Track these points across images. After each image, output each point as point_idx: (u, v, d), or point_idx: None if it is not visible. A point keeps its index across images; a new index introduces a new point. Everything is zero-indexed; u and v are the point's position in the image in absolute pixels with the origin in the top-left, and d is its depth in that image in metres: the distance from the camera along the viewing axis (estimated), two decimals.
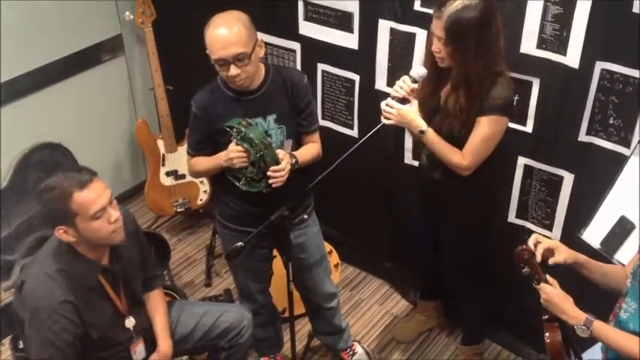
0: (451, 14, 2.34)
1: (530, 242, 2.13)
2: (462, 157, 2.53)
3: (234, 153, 2.50)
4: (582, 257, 2.18)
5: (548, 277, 2.10)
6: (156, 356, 2.55)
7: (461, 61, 2.41)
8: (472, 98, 2.46)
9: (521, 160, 2.89)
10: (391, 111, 2.51)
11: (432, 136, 2.54)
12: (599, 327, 2.02)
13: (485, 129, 2.49)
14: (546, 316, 2.11)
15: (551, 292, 2.06)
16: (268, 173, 2.50)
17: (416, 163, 3.17)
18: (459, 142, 2.54)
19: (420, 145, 2.75)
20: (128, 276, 2.47)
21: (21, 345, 3.13)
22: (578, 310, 2.04)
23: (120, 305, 2.44)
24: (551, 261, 2.12)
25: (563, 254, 2.13)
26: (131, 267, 2.49)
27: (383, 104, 2.53)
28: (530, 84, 2.72)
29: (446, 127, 2.54)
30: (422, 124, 2.52)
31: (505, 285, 3.05)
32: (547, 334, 2.10)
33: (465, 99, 2.47)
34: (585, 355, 2.26)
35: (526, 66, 2.69)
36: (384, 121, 2.53)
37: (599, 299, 2.19)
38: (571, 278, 2.18)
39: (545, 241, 2.13)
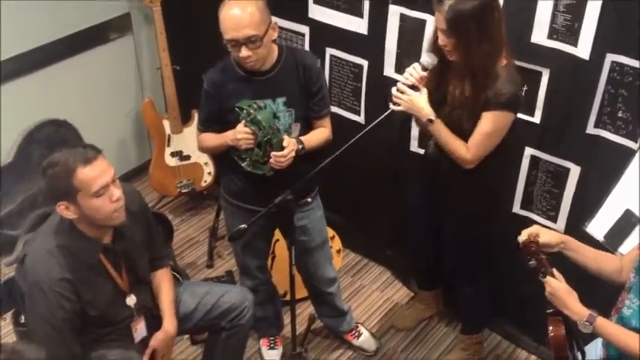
0: (451, 5, 2.32)
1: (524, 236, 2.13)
2: (466, 151, 2.52)
3: (241, 134, 2.51)
4: (568, 237, 2.19)
5: (554, 270, 2.09)
6: (161, 335, 2.55)
7: (464, 51, 2.39)
8: (478, 88, 2.44)
9: (528, 151, 2.88)
10: (402, 96, 2.50)
11: (439, 126, 2.53)
12: (602, 324, 2.02)
13: (489, 124, 2.48)
14: (550, 310, 2.10)
15: (556, 285, 2.05)
16: (271, 154, 2.51)
17: (422, 151, 3.17)
18: (464, 134, 2.53)
19: (427, 133, 2.74)
20: (131, 255, 2.47)
21: (22, 320, 3.15)
22: (581, 306, 2.04)
23: (121, 283, 2.44)
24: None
25: (547, 235, 2.14)
26: (134, 246, 2.48)
27: (394, 89, 2.52)
28: (539, 74, 2.71)
29: (455, 117, 2.52)
30: (431, 113, 2.51)
31: (506, 275, 3.05)
32: (551, 328, 2.09)
33: (470, 89, 2.46)
34: (586, 349, 2.26)
35: (536, 56, 2.68)
36: (392, 107, 2.52)
37: (601, 292, 2.20)
38: (573, 271, 2.19)
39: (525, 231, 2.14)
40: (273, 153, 2.51)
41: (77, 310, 2.31)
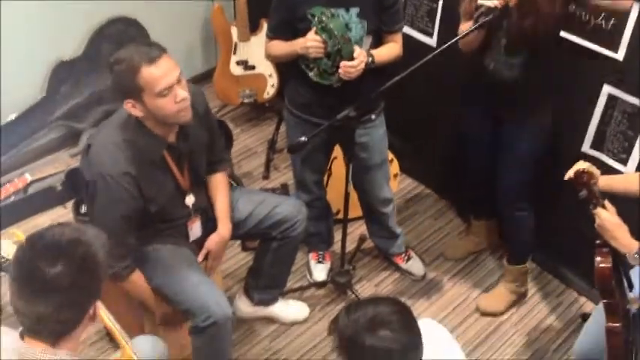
0: None
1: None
2: None
3: (311, 42, 2.47)
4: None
5: (606, 202, 2.08)
6: (216, 238, 2.60)
7: None
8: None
9: (606, 89, 2.75)
10: None
11: None
12: None
13: None
14: (599, 242, 2.09)
15: (606, 217, 2.05)
16: (341, 64, 2.46)
17: None
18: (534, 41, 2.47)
19: (497, 49, 2.62)
20: (193, 155, 2.49)
21: (83, 209, 3.26)
22: (631, 238, 2.03)
23: (182, 182, 2.47)
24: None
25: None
26: (197, 147, 2.49)
27: None
28: None
29: (541, 26, 2.43)
30: None
31: (564, 215, 2.98)
32: (598, 259, 2.09)
33: (562, 3, 2.42)
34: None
35: None
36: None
37: None
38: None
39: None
40: (342, 62, 2.46)
41: (138, 205, 2.35)
